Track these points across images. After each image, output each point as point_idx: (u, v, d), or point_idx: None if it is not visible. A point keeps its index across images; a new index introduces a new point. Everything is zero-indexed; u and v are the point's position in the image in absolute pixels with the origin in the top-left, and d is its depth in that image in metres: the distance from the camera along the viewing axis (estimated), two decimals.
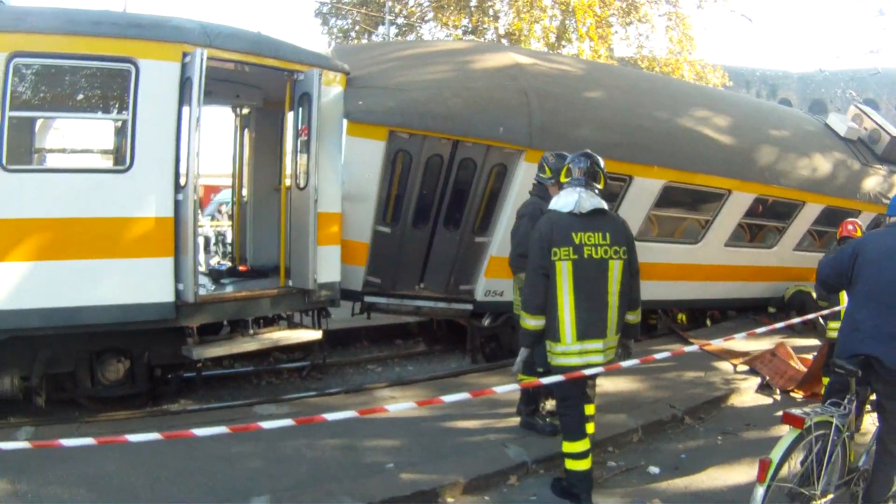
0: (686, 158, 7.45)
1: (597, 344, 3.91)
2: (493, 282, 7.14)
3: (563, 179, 4.15)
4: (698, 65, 16.96)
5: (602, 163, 4.14)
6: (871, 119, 9.79)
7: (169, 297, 5.33)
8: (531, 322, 3.99)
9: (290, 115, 6.99)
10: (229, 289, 6.59)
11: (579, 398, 4.10)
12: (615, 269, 3.92)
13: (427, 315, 7.92)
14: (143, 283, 5.25)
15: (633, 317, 4.16)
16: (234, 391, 7.17)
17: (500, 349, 7.77)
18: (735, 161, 7.86)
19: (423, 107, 6.41)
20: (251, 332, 6.45)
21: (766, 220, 8.77)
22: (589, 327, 3.89)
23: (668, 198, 7.76)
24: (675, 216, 8.23)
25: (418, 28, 18.58)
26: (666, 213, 8.06)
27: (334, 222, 6.55)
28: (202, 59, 5.33)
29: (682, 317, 9.64)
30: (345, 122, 6.40)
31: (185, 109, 5.39)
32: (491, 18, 17.15)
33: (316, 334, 6.69)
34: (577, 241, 3.87)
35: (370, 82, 6.65)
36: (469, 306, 7.34)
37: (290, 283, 6.47)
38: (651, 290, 8.04)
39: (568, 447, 4.07)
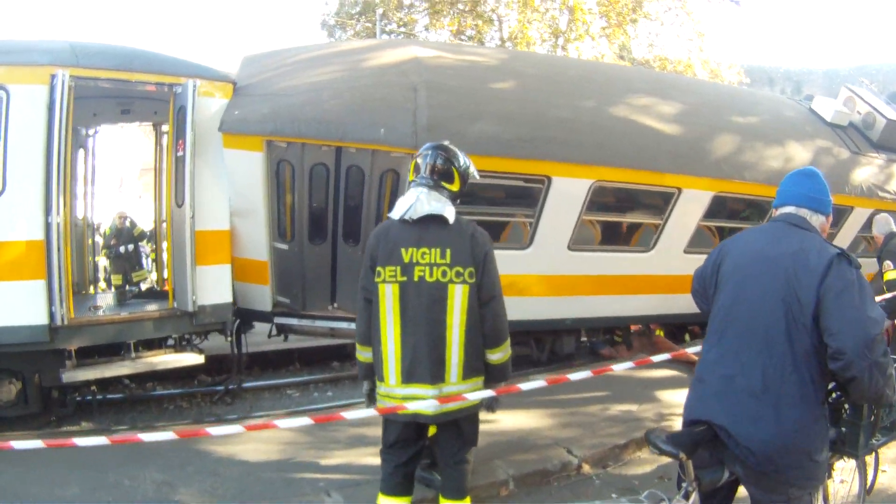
0: (619, 153, 6.48)
1: (427, 390, 3.09)
2: None
3: (409, 178, 3.36)
4: (712, 62, 15.76)
5: (461, 158, 3.29)
6: (866, 102, 8.44)
7: (42, 319, 5.31)
8: (362, 354, 3.29)
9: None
10: (113, 311, 6.38)
11: (404, 446, 3.30)
12: (457, 295, 3.08)
13: (344, 337, 7.30)
14: (16, 305, 5.26)
15: (497, 355, 3.25)
16: (142, 414, 6.99)
17: None
18: (684, 153, 6.81)
19: (297, 112, 5.82)
20: (132, 355, 6.20)
21: (736, 222, 7.61)
22: (416, 368, 3.09)
23: (605, 200, 6.83)
24: (623, 221, 7.27)
25: (418, 36, 18.14)
26: (610, 218, 7.13)
27: (220, 240, 6.20)
28: (63, 81, 5.38)
29: (659, 332, 8.59)
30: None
31: (54, 132, 5.33)
32: (486, 22, 16.55)
33: (198, 359, 6.37)
34: (406, 260, 3.09)
35: (252, 90, 6.16)
36: None
37: (176, 304, 6.15)
38: (599, 306, 7.18)
39: (380, 500, 3.32)
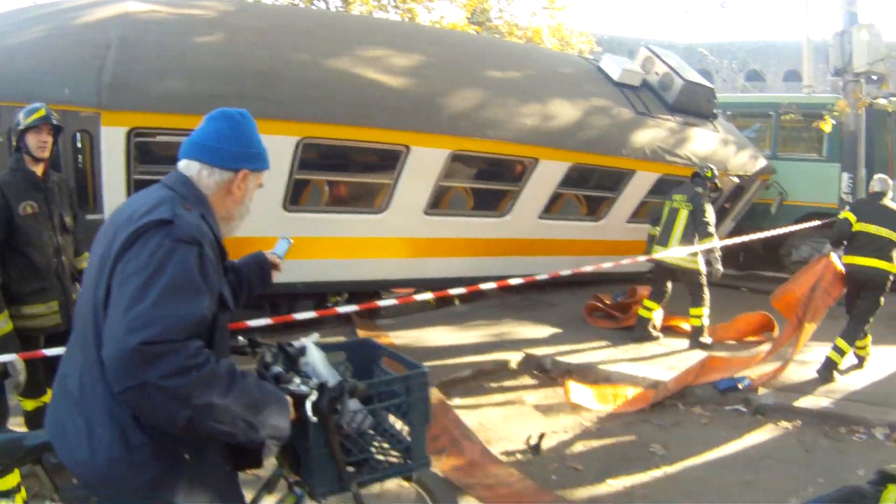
0: (330, 108, 6.16)
1: None
2: None
3: None
4: (564, 29, 15.23)
5: None
6: (665, 62, 7.67)
7: None
8: None
9: None
10: None
11: None
12: None
13: None
14: None
15: None
16: None
17: None
18: (412, 109, 6.40)
19: None
20: None
21: (488, 184, 7.05)
22: None
23: (321, 159, 6.55)
24: (349, 181, 6.96)
25: None
26: (331, 178, 6.79)
27: None
28: None
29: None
30: None
31: None
32: None
33: None
34: None
35: None
36: None
37: None
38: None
39: None
